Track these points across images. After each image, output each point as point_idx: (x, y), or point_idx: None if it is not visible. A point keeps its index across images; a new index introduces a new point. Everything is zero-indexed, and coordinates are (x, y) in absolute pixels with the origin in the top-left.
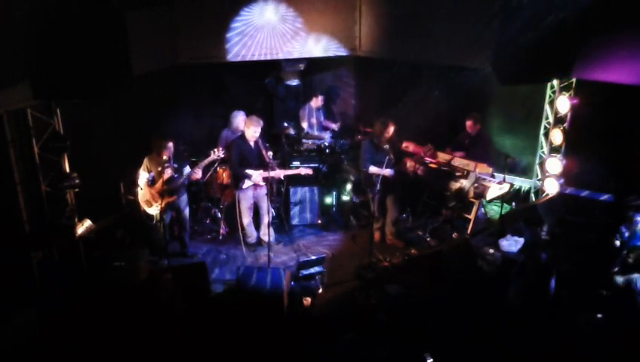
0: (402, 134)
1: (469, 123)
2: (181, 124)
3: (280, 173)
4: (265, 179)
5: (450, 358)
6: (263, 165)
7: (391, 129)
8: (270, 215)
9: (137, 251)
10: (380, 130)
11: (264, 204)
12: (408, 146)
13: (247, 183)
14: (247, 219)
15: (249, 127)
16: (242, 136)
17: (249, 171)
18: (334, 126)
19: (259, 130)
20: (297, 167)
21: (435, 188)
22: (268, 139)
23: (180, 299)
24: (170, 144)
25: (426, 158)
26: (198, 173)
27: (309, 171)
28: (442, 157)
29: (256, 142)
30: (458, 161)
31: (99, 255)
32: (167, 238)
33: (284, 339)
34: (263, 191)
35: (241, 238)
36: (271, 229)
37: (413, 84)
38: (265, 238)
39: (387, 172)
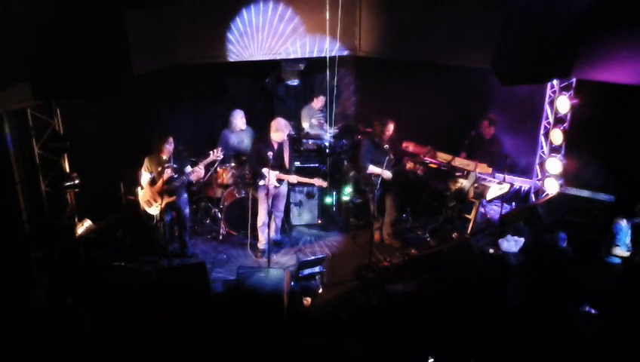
0: (402, 134)
1: (484, 124)
2: (181, 124)
3: (294, 179)
4: (279, 181)
5: (451, 358)
6: (280, 167)
7: (390, 127)
8: (282, 215)
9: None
10: (380, 129)
11: (281, 204)
12: (408, 146)
13: (262, 181)
14: (261, 221)
15: (273, 131)
16: (266, 136)
17: (264, 170)
18: (333, 131)
19: (282, 134)
20: (313, 175)
21: (435, 188)
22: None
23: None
24: (171, 144)
25: (426, 159)
26: (201, 172)
27: (324, 184)
28: (442, 157)
29: (280, 144)
30: (458, 161)
31: (99, 255)
32: (168, 238)
33: (284, 339)
34: (284, 189)
35: (248, 241)
36: (276, 228)
37: (413, 83)
38: (272, 236)
39: (386, 174)
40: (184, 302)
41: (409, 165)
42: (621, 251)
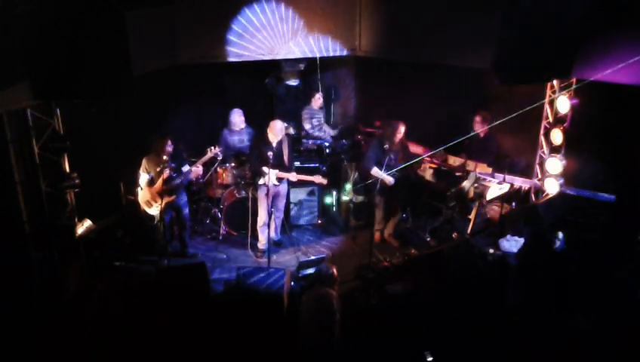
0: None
1: (476, 119)
2: (181, 124)
3: (294, 177)
4: (279, 179)
5: (451, 358)
6: (280, 166)
7: (402, 129)
8: (282, 215)
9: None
10: (391, 132)
11: (281, 203)
12: (409, 147)
13: (262, 180)
14: (262, 221)
15: (269, 132)
16: (265, 135)
17: (264, 169)
18: (333, 133)
19: (278, 136)
20: (312, 175)
21: (436, 188)
22: None
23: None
24: (170, 144)
25: (431, 161)
26: (199, 170)
27: (324, 181)
28: (453, 160)
29: (280, 143)
30: (458, 162)
31: (99, 255)
32: (168, 238)
33: (284, 339)
34: (284, 188)
35: (248, 241)
36: (276, 228)
37: (413, 83)
38: (272, 236)
39: (387, 179)
40: (184, 302)
41: (423, 167)
42: None
